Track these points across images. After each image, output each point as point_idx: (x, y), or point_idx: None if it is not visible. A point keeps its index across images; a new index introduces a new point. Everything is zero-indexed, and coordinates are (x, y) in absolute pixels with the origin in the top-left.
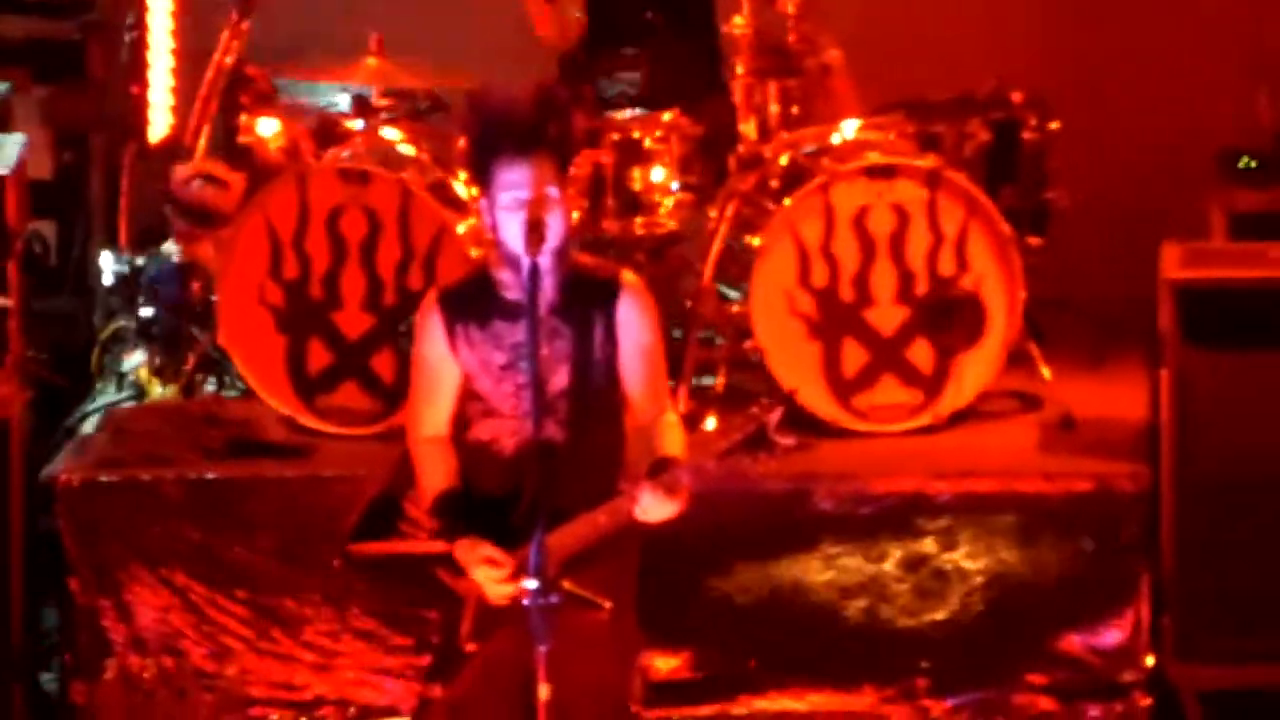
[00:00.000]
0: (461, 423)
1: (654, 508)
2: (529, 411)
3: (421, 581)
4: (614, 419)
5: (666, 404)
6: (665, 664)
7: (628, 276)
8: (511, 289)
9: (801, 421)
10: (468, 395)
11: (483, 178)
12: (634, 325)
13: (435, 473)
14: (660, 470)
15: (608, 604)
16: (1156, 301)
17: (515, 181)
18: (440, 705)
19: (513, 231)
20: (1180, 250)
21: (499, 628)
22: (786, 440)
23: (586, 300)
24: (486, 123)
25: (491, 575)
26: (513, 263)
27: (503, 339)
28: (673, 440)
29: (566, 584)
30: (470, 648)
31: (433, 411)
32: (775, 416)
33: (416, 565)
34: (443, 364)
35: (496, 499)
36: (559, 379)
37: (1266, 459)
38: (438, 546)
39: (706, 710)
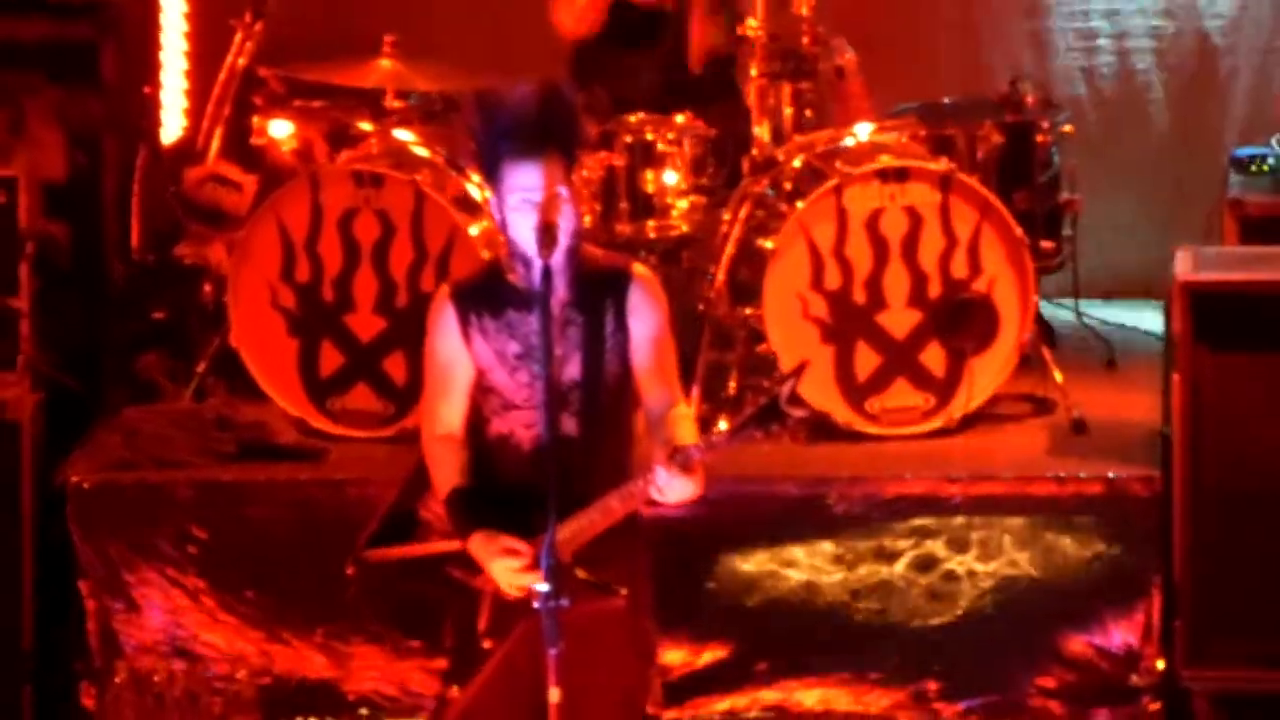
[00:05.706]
0: (478, 419)
1: (672, 487)
2: (544, 402)
3: (435, 584)
4: (626, 415)
5: (678, 396)
6: (673, 661)
7: (639, 268)
8: (523, 279)
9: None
10: (482, 391)
11: (491, 177)
12: (645, 314)
13: (448, 471)
14: (675, 452)
15: (623, 590)
16: (1169, 305)
17: (525, 184)
18: (457, 707)
19: (523, 231)
20: (1193, 253)
21: (515, 624)
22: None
23: (598, 290)
24: (494, 123)
25: (509, 565)
26: (524, 259)
27: (516, 328)
28: (685, 430)
29: (580, 573)
30: (487, 644)
31: (446, 408)
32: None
33: (430, 566)
34: (456, 358)
35: (516, 493)
36: (571, 369)
37: (1278, 462)
38: (451, 545)
39: (717, 708)
